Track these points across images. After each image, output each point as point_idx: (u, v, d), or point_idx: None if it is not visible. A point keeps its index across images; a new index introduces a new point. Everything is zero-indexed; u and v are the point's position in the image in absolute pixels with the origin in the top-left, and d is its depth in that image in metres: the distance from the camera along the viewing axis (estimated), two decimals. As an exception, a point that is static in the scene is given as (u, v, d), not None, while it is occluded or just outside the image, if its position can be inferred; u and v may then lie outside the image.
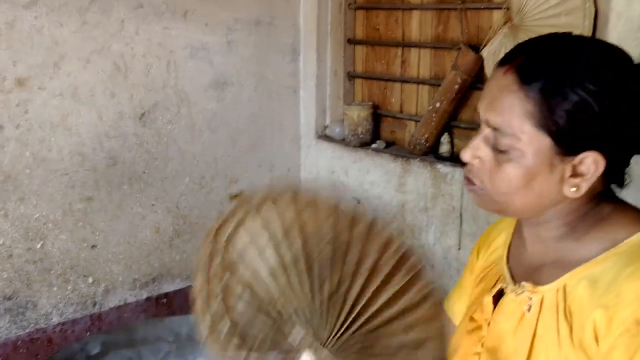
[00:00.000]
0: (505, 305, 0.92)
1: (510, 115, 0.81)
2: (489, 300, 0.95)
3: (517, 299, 0.90)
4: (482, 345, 0.94)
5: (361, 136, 2.02)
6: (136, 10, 1.77)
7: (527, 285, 0.88)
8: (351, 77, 2.16)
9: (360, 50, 2.14)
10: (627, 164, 0.86)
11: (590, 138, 0.79)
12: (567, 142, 0.79)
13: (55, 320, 1.78)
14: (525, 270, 0.93)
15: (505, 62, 0.83)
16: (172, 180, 1.94)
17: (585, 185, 0.81)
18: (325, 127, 2.18)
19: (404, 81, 2.02)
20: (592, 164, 0.79)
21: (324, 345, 0.75)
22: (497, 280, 0.97)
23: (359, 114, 2.01)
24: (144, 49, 1.81)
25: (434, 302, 0.82)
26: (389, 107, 2.08)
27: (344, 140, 2.09)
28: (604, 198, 0.87)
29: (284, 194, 0.80)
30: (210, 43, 1.95)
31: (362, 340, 0.77)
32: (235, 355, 0.72)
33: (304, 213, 0.79)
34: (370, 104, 2.06)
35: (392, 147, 2.03)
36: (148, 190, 1.90)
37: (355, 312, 0.77)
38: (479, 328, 0.96)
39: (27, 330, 1.73)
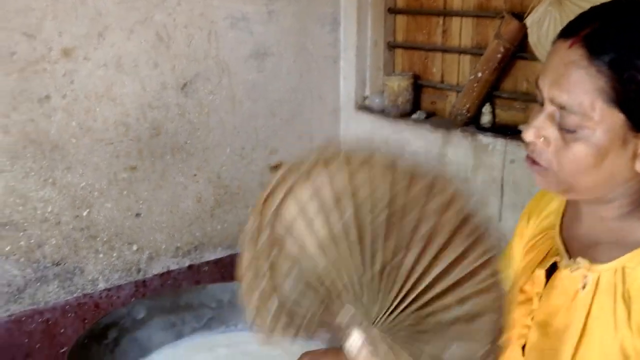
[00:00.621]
0: (559, 280, 0.89)
1: (578, 92, 0.77)
2: (541, 272, 0.93)
3: (571, 275, 0.87)
4: (532, 319, 0.93)
5: (401, 107, 2.01)
6: (178, -20, 1.78)
7: (582, 261, 0.86)
8: (391, 46, 2.14)
9: (401, 20, 2.12)
10: None
11: None
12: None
13: (101, 285, 1.83)
14: (581, 245, 0.90)
15: (570, 33, 0.78)
16: (213, 150, 1.96)
17: None
18: (365, 98, 2.18)
19: (445, 50, 2.00)
20: None
21: (373, 323, 0.72)
22: (549, 252, 0.94)
23: (398, 84, 1.99)
24: (185, 19, 1.82)
25: (492, 270, 0.77)
26: (430, 77, 2.06)
27: (383, 111, 2.08)
28: None
29: (336, 156, 0.74)
30: (251, 13, 1.95)
31: (414, 315, 0.73)
32: (283, 335, 0.70)
33: (357, 175, 0.73)
34: (411, 74, 2.04)
35: (433, 118, 2.01)
36: (190, 160, 1.92)
37: (409, 285, 0.73)
38: (529, 300, 0.94)
39: (75, 295, 1.78)
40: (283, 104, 2.09)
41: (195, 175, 1.94)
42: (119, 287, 1.85)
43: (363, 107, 2.16)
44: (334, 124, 2.23)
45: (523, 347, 0.93)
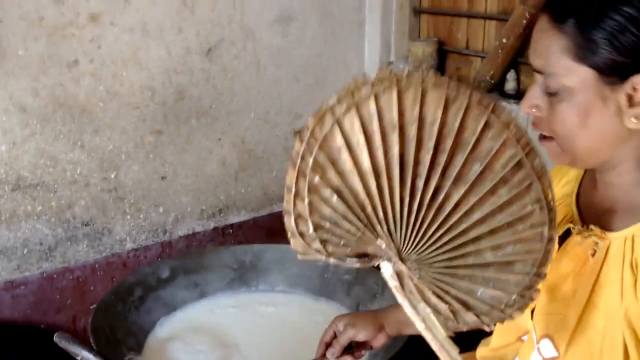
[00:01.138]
0: (570, 246, 0.91)
1: (548, 54, 0.81)
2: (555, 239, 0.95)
3: (582, 242, 0.89)
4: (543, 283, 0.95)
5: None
6: (202, -56, 1.79)
7: (595, 229, 0.87)
8: (417, 11, 2.12)
9: (427, -16, 2.10)
10: None
11: (632, 60, 0.77)
12: (609, 69, 0.78)
13: (129, 246, 1.89)
14: (595, 212, 0.92)
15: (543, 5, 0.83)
16: (237, 114, 1.99)
17: None
18: (390, 63, 2.17)
19: (471, 16, 1.97)
20: None
21: (403, 259, 0.74)
22: (564, 218, 0.96)
23: (423, 50, 1.99)
24: (210, -16, 1.83)
25: (532, 222, 0.77)
26: (455, 43, 2.04)
27: (407, 76, 2.07)
28: None
29: (389, 88, 0.73)
30: (275, -23, 1.95)
31: (446, 255, 0.75)
32: (315, 257, 0.73)
33: (408, 112, 0.73)
34: (435, 39, 2.03)
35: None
36: (214, 124, 1.95)
37: (445, 226, 0.75)
38: None
39: (104, 254, 1.85)
40: (307, 69, 2.10)
41: (219, 139, 1.97)
42: (146, 248, 1.91)
43: (387, 72, 2.16)
44: (358, 89, 2.23)
45: (532, 311, 0.95)
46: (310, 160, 0.72)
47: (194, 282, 1.60)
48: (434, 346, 0.74)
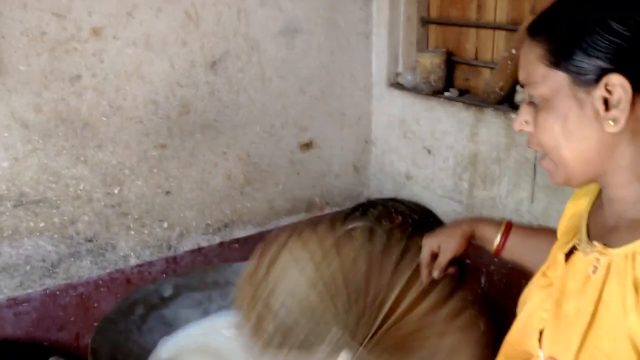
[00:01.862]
0: (573, 263, 0.89)
1: (527, 65, 0.84)
2: (561, 256, 0.93)
3: (584, 258, 0.87)
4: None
5: (433, 84, 1.97)
6: (206, -43, 1.77)
7: (597, 245, 0.85)
8: (424, 22, 2.09)
9: (435, -6, 2.07)
10: None
11: (603, 61, 0.77)
12: (581, 71, 0.78)
13: (133, 261, 1.86)
14: (601, 229, 0.90)
15: None
16: (242, 128, 1.96)
17: (622, 116, 0.78)
18: (397, 75, 2.14)
19: (479, 26, 1.94)
20: (618, 88, 0.77)
21: (359, 346, 0.81)
22: (574, 236, 0.94)
23: (431, 61, 1.95)
24: (214, -3, 1.81)
25: (470, 315, 0.90)
26: (463, 53, 2.01)
27: (415, 88, 2.04)
28: None
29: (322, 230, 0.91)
30: (280, -11, 1.93)
31: (396, 343, 0.85)
32: (276, 353, 0.79)
33: (342, 239, 0.90)
34: (444, 50, 2.00)
35: (465, 95, 1.97)
36: (219, 137, 1.93)
37: (391, 319, 0.85)
38: (551, 285, 0.94)
39: (107, 270, 1.82)
40: (313, 81, 2.08)
41: (224, 152, 1.95)
42: (150, 263, 1.89)
43: (395, 84, 2.13)
44: (365, 101, 2.20)
45: (540, 333, 0.92)
46: (264, 272, 0.87)
47: (198, 300, 1.58)
48: None
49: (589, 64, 0.78)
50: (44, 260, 1.72)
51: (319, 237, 0.87)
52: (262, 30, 1.93)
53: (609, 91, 0.78)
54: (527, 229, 1.23)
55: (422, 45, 2.11)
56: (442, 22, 2.05)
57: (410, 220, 2.03)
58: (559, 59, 0.80)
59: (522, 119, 0.88)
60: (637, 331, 0.75)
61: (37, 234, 1.69)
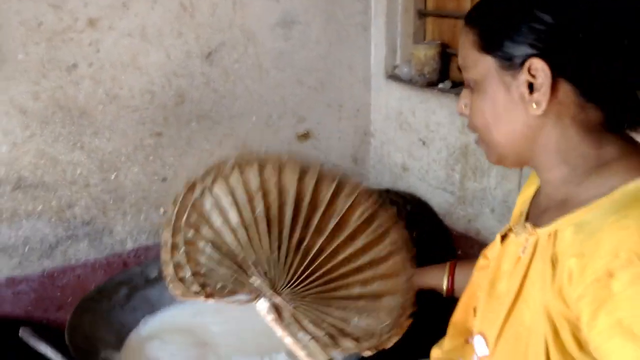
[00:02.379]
0: (507, 244, 0.93)
1: (462, 50, 0.90)
2: (498, 238, 0.96)
3: (515, 240, 0.90)
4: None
5: (427, 76, 1.98)
6: (201, -51, 1.82)
7: (528, 226, 0.88)
8: (421, 14, 2.10)
9: (432, -13, 2.08)
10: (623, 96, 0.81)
11: (525, 45, 0.81)
12: (506, 55, 0.82)
13: (130, 245, 1.92)
14: (536, 212, 0.93)
15: None
16: (239, 118, 2.01)
17: (543, 99, 0.81)
18: (395, 67, 2.16)
19: (474, 18, 1.94)
20: (540, 73, 0.80)
21: (279, 293, 0.82)
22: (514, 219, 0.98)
23: (425, 53, 1.97)
24: (209, -11, 1.86)
25: (395, 260, 0.91)
26: (459, 45, 2.01)
27: (411, 80, 2.06)
28: (610, 140, 0.83)
29: (251, 163, 0.91)
30: (276, -19, 1.96)
31: (317, 289, 0.85)
32: (194, 298, 0.81)
33: (269, 182, 0.89)
34: (438, 42, 2.00)
35: (459, 87, 1.97)
36: (215, 127, 1.97)
37: (313, 266, 0.86)
38: (489, 266, 0.97)
39: (104, 254, 1.89)
40: (311, 72, 2.11)
41: (221, 142, 1.99)
42: (147, 248, 1.94)
43: (393, 76, 2.15)
44: (364, 93, 2.22)
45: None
46: (184, 219, 0.85)
47: (183, 283, 1.62)
48: None
49: (515, 49, 0.82)
50: (42, 242, 1.79)
51: (244, 181, 0.87)
52: (259, 22, 1.96)
53: (532, 75, 0.81)
54: (473, 261, 1.25)
55: (419, 38, 2.12)
56: (438, 14, 2.06)
57: (404, 211, 2.04)
58: (488, 44, 0.84)
59: (462, 102, 0.92)
60: (552, 304, 0.78)
61: (36, 216, 1.76)
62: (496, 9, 0.85)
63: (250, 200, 0.86)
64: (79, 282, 1.86)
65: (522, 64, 0.81)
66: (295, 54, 2.05)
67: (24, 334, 1.12)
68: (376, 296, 0.87)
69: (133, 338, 1.45)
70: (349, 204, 0.91)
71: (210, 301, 0.81)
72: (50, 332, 1.82)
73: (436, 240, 2.02)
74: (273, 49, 2.01)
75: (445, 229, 2.02)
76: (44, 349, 1.09)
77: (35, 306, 1.81)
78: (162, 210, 1.95)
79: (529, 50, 0.80)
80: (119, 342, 1.42)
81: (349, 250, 0.88)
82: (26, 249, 1.77)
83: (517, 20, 0.81)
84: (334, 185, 0.92)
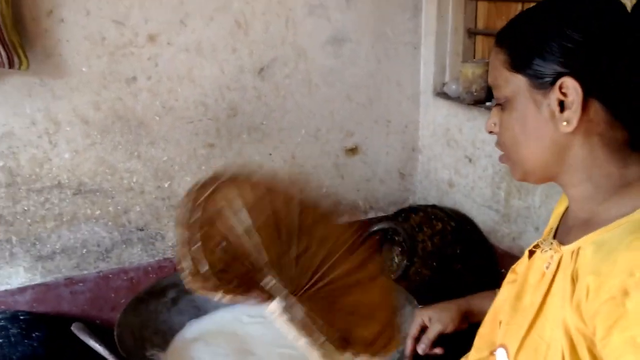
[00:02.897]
0: (534, 260, 0.95)
1: (493, 70, 0.90)
2: (526, 253, 0.98)
3: (542, 256, 0.92)
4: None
5: (475, 94, 2.00)
6: (256, -31, 1.89)
7: (554, 243, 0.91)
8: (471, 33, 2.12)
9: (482, 6, 2.10)
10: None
11: (557, 65, 0.82)
12: (537, 74, 0.83)
13: (180, 251, 2.00)
14: (564, 229, 0.96)
15: None
16: (288, 131, 2.07)
17: (574, 117, 0.82)
18: (444, 84, 2.18)
19: (523, 37, 1.95)
20: (572, 91, 0.81)
21: (292, 294, 0.84)
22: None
23: (473, 71, 1.98)
24: (263, 7, 1.93)
25: (384, 281, 0.97)
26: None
27: (459, 97, 2.08)
28: (635, 160, 0.85)
29: (246, 179, 0.94)
30: (328, 0, 2.02)
31: (325, 295, 0.87)
32: (211, 295, 0.83)
33: (277, 188, 0.94)
34: (487, 61, 2.02)
35: (506, 106, 1.98)
36: (265, 140, 2.04)
37: (320, 272, 0.88)
38: (516, 280, 0.99)
39: (156, 258, 1.97)
40: (360, 88, 2.15)
41: (270, 154, 2.06)
42: (196, 254, 2.02)
43: (441, 93, 2.17)
44: (412, 110, 2.25)
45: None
46: (198, 215, 0.87)
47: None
48: None
49: (546, 68, 0.84)
50: (98, 245, 1.88)
51: (251, 183, 0.90)
52: (310, 39, 2.03)
53: (564, 94, 0.83)
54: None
55: (469, 56, 2.14)
56: (488, 33, 2.08)
57: (449, 227, 2.06)
58: (518, 63, 0.86)
59: (492, 121, 0.95)
60: (570, 320, 0.80)
61: (94, 220, 1.86)
62: (526, 28, 0.87)
63: (259, 203, 0.89)
64: (132, 284, 1.95)
65: (553, 82, 0.83)
66: (345, 70, 2.11)
67: (76, 328, 1.19)
68: (370, 305, 0.92)
69: (178, 340, 1.52)
70: (341, 227, 0.96)
71: (226, 298, 0.83)
72: (102, 331, 1.92)
73: (480, 257, 2.02)
74: (323, 66, 2.07)
75: (490, 247, 2.03)
76: (93, 343, 1.16)
77: (90, 306, 1.91)
78: (212, 218, 2.02)
79: (560, 69, 0.82)
80: (165, 343, 1.49)
81: (347, 264, 0.92)
82: (84, 251, 1.87)
83: (547, 39, 0.83)
84: (326, 210, 0.99)
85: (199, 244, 0.84)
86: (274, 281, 0.84)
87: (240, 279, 0.84)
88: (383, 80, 2.18)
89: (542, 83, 0.84)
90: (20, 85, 1.69)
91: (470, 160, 2.06)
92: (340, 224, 0.96)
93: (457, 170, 2.13)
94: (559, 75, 0.82)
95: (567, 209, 0.99)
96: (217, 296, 0.84)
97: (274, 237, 0.87)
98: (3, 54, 1.55)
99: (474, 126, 2.02)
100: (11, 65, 1.58)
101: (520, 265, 1.00)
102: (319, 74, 2.07)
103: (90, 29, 1.73)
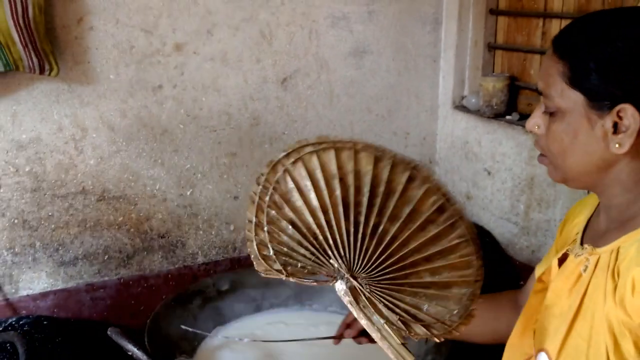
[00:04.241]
0: (566, 265, 0.98)
1: (547, 77, 0.89)
2: (555, 262, 1.00)
3: (575, 260, 0.95)
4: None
5: (495, 107, 2.02)
6: (282, -18, 1.92)
7: (587, 247, 0.93)
8: (491, 47, 2.15)
9: (502, 21, 2.12)
10: None
11: (619, 91, 0.82)
12: (598, 96, 0.84)
13: (200, 259, 2.01)
14: (594, 234, 0.97)
15: None
16: (309, 141, 2.08)
17: (628, 141, 0.83)
18: (463, 97, 2.20)
19: (544, 53, 1.97)
20: (629, 117, 0.82)
21: (355, 278, 0.85)
22: (568, 243, 1.02)
23: (493, 85, 2.01)
24: (287, 18, 1.95)
25: (463, 252, 0.92)
26: (527, 78, 2.05)
27: (478, 110, 2.10)
28: None
29: (329, 147, 0.91)
30: (351, 12, 2.04)
31: (391, 275, 0.87)
32: (276, 276, 0.84)
33: (346, 165, 0.90)
34: (507, 75, 2.04)
35: (526, 120, 2.00)
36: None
37: (387, 252, 0.88)
38: (545, 289, 1.01)
39: (176, 266, 1.98)
40: (380, 100, 2.17)
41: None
42: (216, 263, 2.03)
43: (460, 106, 2.19)
44: (431, 122, 2.27)
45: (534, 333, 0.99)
46: (267, 199, 0.87)
47: (252, 297, 1.69)
48: (391, 354, 0.84)
49: (605, 90, 0.84)
50: (120, 252, 1.89)
51: (322, 163, 0.89)
52: (332, 51, 2.05)
53: (619, 117, 0.84)
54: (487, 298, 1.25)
55: (488, 70, 2.16)
56: (508, 48, 2.10)
57: (467, 239, 2.07)
58: (578, 80, 0.86)
59: (535, 122, 0.95)
60: (613, 315, 0.82)
61: (116, 227, 1.87)
62: (590, 44, 0.85)
63: (328, 183, 0.88)
64: (152, 291, 1.95)
65: (612, 106, 0.84)
66: (366, 82, 2.13)
67: (112, 332, 1.20)
68: (445, 285, 0.90)
69: (205, 347, 1.53)
70: (420, 194, 0.92)
71: (291, 279, 0.84)
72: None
73: (499, 270, 2.03)
74: (344, 77, 2.09)
75: (508, 259, 2.04)
76: (131, 347, 1.17)
77: (110, 312, 1.91)
78: (232, 227, 2.03)
79: (619, 93, 0.83)
80: (192, 349, 1.49)
81: (420, 239, 0.90)
82: (105, 257, 1.88)
83: (610, 61, 0.83)
84: (407, 174, 0.93)
85: (266, 228, 0.85)
86: (337, 263, 0.85)
87: (305, 260, 0.85)
88: (402, 92, 2.20)
89: (600, 105, 0.85)
90: (49, 92, 1.70)
91: (489, 173, 2.08)
92: (418, 192, 0.93)
93: (475, 182, 2.14)
94: (618, 99, 0.83)
95: (592, 215, 1.01)
96: (282, 278, 0.85)
97: (343, 215, 0.87)
98: (35, 60, 1.57)
99: (494, 139, 2.04)
100: (42, 71, 1.60)
101: (546, 274, 1.02)
102: (341, 85, 2.09)
103: (119, 38, 1.75)
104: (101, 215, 1.85)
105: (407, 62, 2.18)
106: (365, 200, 0.89)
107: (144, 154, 1.86)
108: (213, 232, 2.01)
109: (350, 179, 0.89)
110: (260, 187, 0.89)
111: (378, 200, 0.89)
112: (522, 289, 1.25)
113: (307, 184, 0.88)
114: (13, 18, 1.49)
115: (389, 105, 2.19)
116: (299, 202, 0.87)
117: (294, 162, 0.90)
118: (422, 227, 0.90)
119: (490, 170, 2.07)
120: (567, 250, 0.98)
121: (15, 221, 1.75)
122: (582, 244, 0.96)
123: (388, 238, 0.88)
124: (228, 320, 1.63)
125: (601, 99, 0.84)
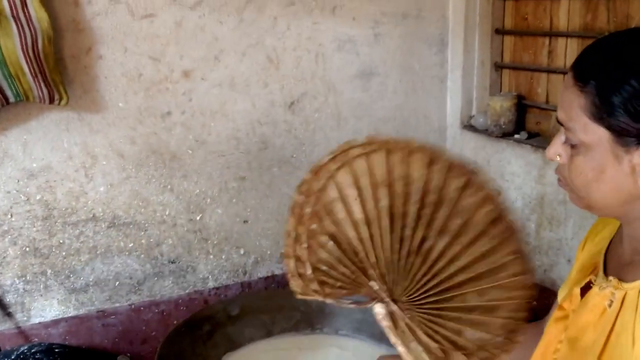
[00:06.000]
0: (590, 297, 0.93)
1: (569, 110, 0.85)
2: (577, 291, 0.97)
3: (600, 293, 0.91)
4: (565, 334, 0.96)
5: (503, 126, 2.02)
6: (288, 7, 1.93)
7: (613, 280, 0.90)
8: (498, 67, 2.15)
9: (508, 40, 2.13)
10: None
11: None
12: (624, 132, 0.80)
13: (211, 284, 2.01)
14: (617, 265, 0.94)
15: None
16: (317, 164, 2.08)
17: None
18: (471, 117, 2.20)
19: (550, 71, 1.98)
20: None
21: (395, 301, 0.79)
22: (592, 272, 0.98)
23: (501, 105, 2.01)
24: (294, 43, 1.97)
25: (515, 271, 0.84)
26: (535, 97, 2.05)
27: (486, 130, 2.09)
28: None
29: (379, 149, 0.84)
30: (357, 36, 2.06)
31: (434, 298, 0.80)
32: (314, 295, 0.79)
33: (395, 170, 0.83)
34: (514, 94, 2.04)
35: (535, 138, 2.00)
36: (296, 172, 2.06)
37: (432, 272, 0.81)
38: (566, 317, 0.98)
39: (187, 291, 1.98)
40: (388, 122, 2.18)
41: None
42: (227, 287, 2.03)
43: (468, 126, 2.19)
44: (438, 142, 2.27)
45: None
46: (309, 210, 0.81)
47: (262, 321, 1.69)
48: None
49: (633, 127, 0.80)
50: (131, 278, 1.90)
51: (370, 168, 0.81)
52: (339, 73, 2.06)
53: None
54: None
55: (495, 89, 2.16)
56: (514, 67, 2.10)
57: (478, 259, 2.05)
58: (603, 115, 0.82)
59: (555, 151, 0.91)
60: None
61: (127, 253, 1.88)
62: (615, 78, 0.80)
63: (375, 191, 0.81)
64: (163, 317, 1.95)
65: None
66: (373, 104, 2.13)
67: (122, 360, 1.20)
68: (491, 308, 0.82)
69: (216, 372, 1.52)
70: (476, 203, 0.84)
71: (328, 301, 0.78)
72: (135, 364, 1.92)
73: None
74: (352, 99, 2.10)
75: (520, 279, 2.02)
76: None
77: (121, 338, 1.91)
78: (242, 250, 2.03)
79: None
80: (203, 375, 1.49)
81: (470, 256, 0.82)
82: (116, 284, 1.88)
83: (637, 97, 0.79)
84: (463, 180, 0.85)
85: (305, 245, 0.79)
86: (376, 286, 0.79)
87: (345, 279, 0.79)
88: (410, 113, 2.20)
89: (627, 141, 0.81)
90: (58, 120, 1.72)
91: (498, 193, 2.06)
92: (472, 201, 0.84)
93: (486, 202, 2.13)
94: None
95: (611, 243, 0.98)
96: (321, 297, 0.79)
97: (388, 228, 0.80)
98: (44, 90, 1.59)
99: (502, 158, 2.03)
100: (52, 101, 1.62)
101: (567, 302, 0.98)
102: (348, 107, 2.10)
103: (127, 66, 1.77)
104: (112, 242, 1.86)
105: (414, 84, 2.19)
106: (413, 210, 0.82)
107: (154, 180, 1.87)
108: (223, 257, 2.01)
109: (399, 186, 0.82)
110: (302, 196, 0.83)
111: (429, 211, 0.82)
112: (545, 317, 1.21)
113: (351, 193, 0.81)
114: (23, 49, 1.52)
115: (397, 127, 2.20)
116: (341, 213, 0.81)
117: (339, 168, 0.83)
118: (473, 241, 0.83)
119: (499, 189, 2.06)
120: (591, 280, 0.95)
121: (27, 249, 1.76)
122: (605, 273, 0.94)
123: (435, 255, 0.81)
124: (238, 346, 1.62)
125: (628, 135, 0.81)
